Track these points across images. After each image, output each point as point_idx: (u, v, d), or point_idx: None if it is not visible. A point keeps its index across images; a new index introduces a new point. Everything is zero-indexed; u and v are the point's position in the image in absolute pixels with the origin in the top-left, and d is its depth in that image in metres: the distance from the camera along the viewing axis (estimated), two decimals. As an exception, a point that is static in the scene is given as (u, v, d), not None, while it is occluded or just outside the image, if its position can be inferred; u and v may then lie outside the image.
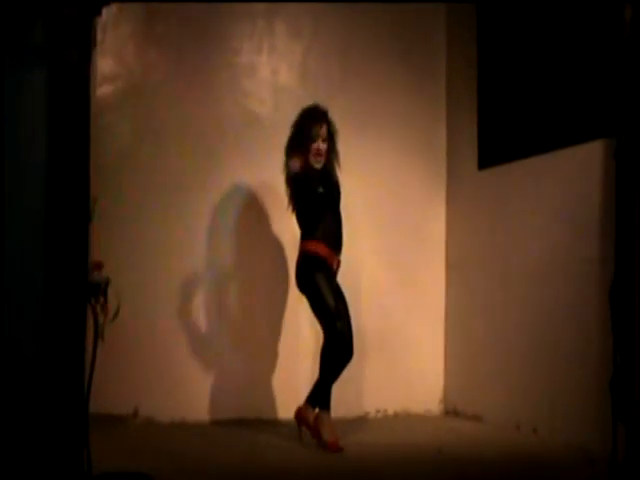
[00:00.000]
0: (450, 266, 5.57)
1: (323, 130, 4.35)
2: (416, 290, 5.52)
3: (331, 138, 4.40)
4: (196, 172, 4.99)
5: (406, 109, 5.55)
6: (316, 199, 4.31)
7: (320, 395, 4.23)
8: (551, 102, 4.63)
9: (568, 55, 4.51)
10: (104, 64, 4.67)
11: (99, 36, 4.25)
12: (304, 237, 4.36)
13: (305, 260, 4.31)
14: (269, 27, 5.27)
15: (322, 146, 4.36)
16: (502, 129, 5.08)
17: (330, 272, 4.31)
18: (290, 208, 4.43)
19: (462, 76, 5.48)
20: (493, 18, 5.19)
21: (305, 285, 4.32)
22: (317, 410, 4.24)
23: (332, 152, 4.42)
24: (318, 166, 4.36)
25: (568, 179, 4.47)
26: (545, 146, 4.64)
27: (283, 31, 5.31)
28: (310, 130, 4.33)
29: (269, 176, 4.98)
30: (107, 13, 4.45)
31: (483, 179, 5.26)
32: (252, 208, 5.10)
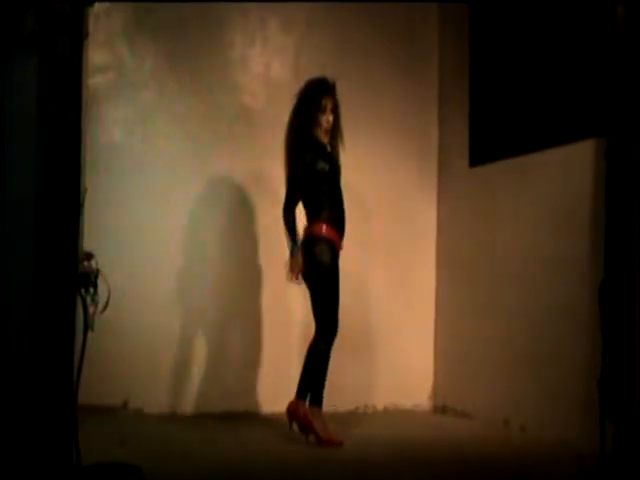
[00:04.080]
0: (441, 263, 5.58)
1: (332, 103, 4.23)
2: (406, 286, 5.53)
3: (336, 113, 4.27)
4: (186, 163, 4.98)
5: (398, 106, 5.56)
6: (321, 178, 4.18)
7: (311, 389, 4.16)
8: (543, 100, 4.64)
9: (560, 54, 4.52)
10: (96, 55, 4.64)
11: (91, 27, 4.22)
12: (311, 219, 4.21)
13: (314, 243, 4.14)
14: (262, 20, 5.26)
15: (331, 119, 4.23)
16: (494, 127, 5.08)
17: (337, 257, 4.19)
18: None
19: (454, 74, 5.49)
20: (485, 17, 5.20)
21: (314, 271, 4.14)
22: (307, 404, 4.17)
23: (336, 127, 4.29)
24: (326, 140, 4.26)
25: (559, 177, 4.48)
26: (536, 144, 4.65)
27: (276, 25, 5.30)
28: (320, 101, 4.19)
29: (260, 168, 4.99)
30: (99, 4, 4.44)
31: (474, 176, 5.26)
32: (242, 199, 5.09)
